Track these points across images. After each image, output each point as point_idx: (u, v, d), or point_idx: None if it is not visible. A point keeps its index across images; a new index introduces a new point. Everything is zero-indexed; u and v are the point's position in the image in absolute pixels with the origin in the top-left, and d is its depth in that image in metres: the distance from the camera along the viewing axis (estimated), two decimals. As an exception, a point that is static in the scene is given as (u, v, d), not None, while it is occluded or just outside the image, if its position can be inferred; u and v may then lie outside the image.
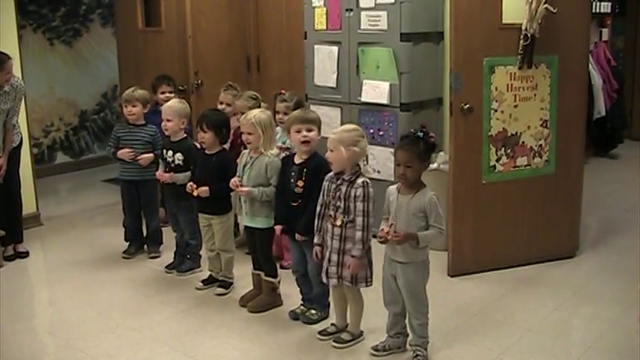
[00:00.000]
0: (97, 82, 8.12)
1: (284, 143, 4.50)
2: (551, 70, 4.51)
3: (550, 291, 4.33)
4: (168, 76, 5.65)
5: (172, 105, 4.59)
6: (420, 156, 3.26)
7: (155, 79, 5.63)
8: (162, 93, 5.46)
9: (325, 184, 3.56)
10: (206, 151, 4.29)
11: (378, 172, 5.11)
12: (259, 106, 4.69)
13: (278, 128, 4.60)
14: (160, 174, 4.58)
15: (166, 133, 4.59)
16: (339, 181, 3.47)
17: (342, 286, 3.60)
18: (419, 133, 3.27)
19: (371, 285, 3.56)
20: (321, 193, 3.58)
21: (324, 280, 3.60)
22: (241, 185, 3.97)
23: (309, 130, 3.72)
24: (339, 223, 3.46)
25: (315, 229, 3.60)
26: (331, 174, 3.54)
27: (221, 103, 5.11)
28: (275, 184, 3.92)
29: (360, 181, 3.42)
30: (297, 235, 3.77)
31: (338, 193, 3.46)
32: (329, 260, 3.54)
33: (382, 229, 3.31)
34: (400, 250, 3.34)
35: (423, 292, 3.43)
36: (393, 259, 3.40)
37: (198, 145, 4.38)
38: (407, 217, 3.29)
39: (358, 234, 3.42)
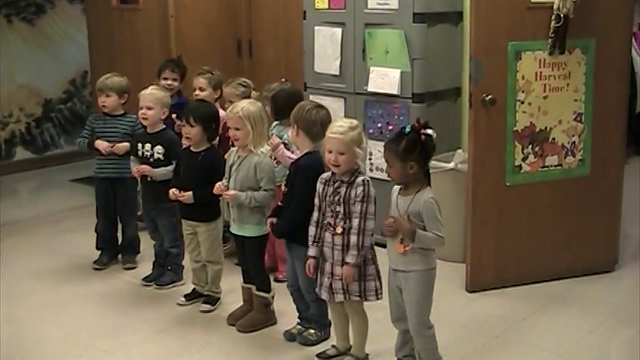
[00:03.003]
0: (63, 67, 8.15)
1: (281, 138, 4.55)
2: (586, 56, 4.54)
3: (584, 311, 4.36)
4: (175, 61, 5.61)
5: (154, 92, 4.63)
6: (399, 155, 3.30)
7: (162, 63, 5.57)
8: (165, 79, 5.45)
9: (320, 186, 3.59)
10: (192, 149, 4.33)
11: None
12: (249, 96, 4.73)
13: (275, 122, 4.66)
14: (137, 168, 4.59)
15: (145, 123, 4.62)
16: (336, 184, 3.51)
17: (344, 303, 3.64)
18: (405, 129, 3.33)
19: (382, 298, 3.59)
20: (317, 196, 3.61)
21: (326, 296, 3.62)
22: (227, 189, 4.01)
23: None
24: (339, 230, 3.50)
25: (312, 239, 3.62)
26: (327, 175, 3.58)
27: (194, 89, 5.17)
28: (266, 187, 3.97)
29: (360, 179, 3.48)
30: (269, 222, 3.88)
31: (337, 197, 3.50)
32: (332, 274, 3.57)
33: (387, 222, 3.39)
34: (400, 257, 3.38)
35: (427, 310, 3.43)
36: (394, 268, 3.45)
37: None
38: (408, 219, 3.35)
39: (353, 238, 3.46)
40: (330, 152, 3.46)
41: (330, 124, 3.70)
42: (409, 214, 3.33)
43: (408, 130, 3.32)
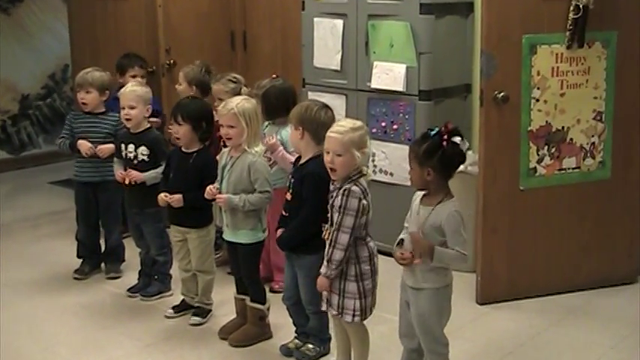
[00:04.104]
0: (42, 61, 8.14)
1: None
2: (607, 50, 4.54)
3: (604, 325, 4.36)
4: (139, 56, 5.68)
5: (136, 89, 4.63)
6: (418, 157, 3.28)
7: (124, 59, 5.68)
8: (134, 77, 5.50)
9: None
10: (183, 150, 4.33)
11: (391, 174, 5.16)
12: (240, 93, 4.72)
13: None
14: (123, 173, 4.58)
15: (129, 124, 4.61)
16: (333, 189, 3.53)
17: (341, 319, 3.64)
18: (432, 131, 3.31)
19: (359, 320, 3.56)
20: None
21: (324, 307, 3.64)
22: (219, 192, 4.01)
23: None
24: (326, 236, 3.53)
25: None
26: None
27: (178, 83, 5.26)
28: (261, 189, 3.97)
29: (345, 187, 3.45)
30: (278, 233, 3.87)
31: (330, 202, 3.53)
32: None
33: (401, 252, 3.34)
34: (411, 271, 3.36)
35: (438, 328, 3.41)
36: (405, 282, 3.43)
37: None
38: (422, 233, 3.32)
39: (327, 248, 3.48)
40: (329, 153, 3.45)
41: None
42: (428, 225, 3.29)
43: (433, 132, 3.29)
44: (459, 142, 3.27)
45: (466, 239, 3.30)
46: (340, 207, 3.43)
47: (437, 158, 3.25)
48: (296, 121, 3.78)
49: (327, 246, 3.49)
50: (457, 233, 3.26)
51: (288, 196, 3.83)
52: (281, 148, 4.41)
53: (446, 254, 3.26)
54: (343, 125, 3.50)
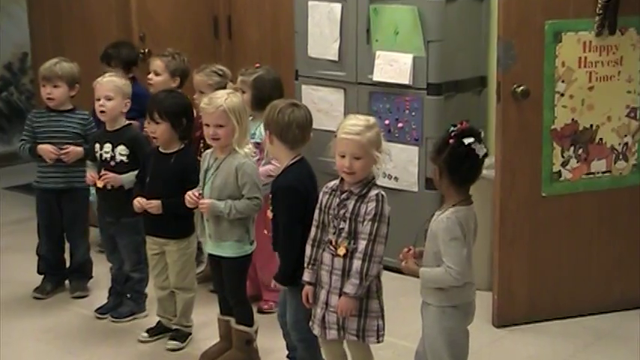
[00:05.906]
0: (-3, 49, 8.17)
1: (253, 137, 4.54)
2: (642, 38, 4.58)
3: (639, 352, 4.35)
4: (106, 52, 5.63)
5: (114, 79, 4.63)
6: (431, 154, 3.40)
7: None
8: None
9: (324, 197, 3.58)
10: (160, 150, 4.33)
11: (396, 179, 5.17)
12: (225, 87, 4.70)
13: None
14: (94, 175, 4.55)
15: (103, 117, 4.60)
16: (344, 195, 3.50)
17: (343, 342, 3.63)
18: (454, 126, 3.34)
19: (382, 340, 3.56)
20: (317, 208, 3.60)
21: (318, 332, 3.61)
22: (202, 197, 4.01)
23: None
24: (342, 252, 3.47)
25: (308, 260, 3.61)
26: (333, 183, 3.57)
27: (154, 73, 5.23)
28: (249, 195, 3.96)
29: (373, 193, 3.45)
30: (272, 282, 3.87)
31: (343, 211, 3.48)
32: (326, 304, 3.55)
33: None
34: (421, 282, 3.41)
35: (445, 354, 3.39)
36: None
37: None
38: (428, 240, 3.39)
39: (356, 264, 3.41)
40: (344, 157, 3.43)
41: (310, 125, 3.74)
42: (429, 232, 3.34)
43: (452, 129, 3.32)
44: (467, 143, 3.27)
45: (458, 252, 3.27)
46: (375, 215, 3.41)
47: (443, 157, 3.31)
48: (264, 125, 3.82)
49: (355, 262, 3.42)
50: (445, 243, 3.29)
51: (269, 214, 3.83)
52: None
53: (430, 275, 3.34)
54: (356, 124, 3.47)
